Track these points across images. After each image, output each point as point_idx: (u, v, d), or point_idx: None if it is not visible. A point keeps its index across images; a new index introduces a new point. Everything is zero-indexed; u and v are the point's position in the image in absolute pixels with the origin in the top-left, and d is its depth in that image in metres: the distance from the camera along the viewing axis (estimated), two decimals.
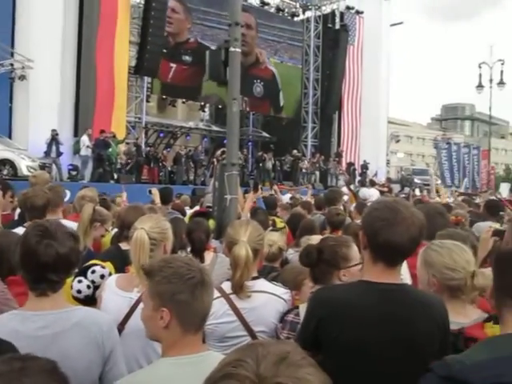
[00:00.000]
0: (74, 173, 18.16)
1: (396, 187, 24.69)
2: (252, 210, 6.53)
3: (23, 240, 2.07)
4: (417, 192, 17.67)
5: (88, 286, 2.97)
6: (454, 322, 2.28)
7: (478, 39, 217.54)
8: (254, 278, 2.77)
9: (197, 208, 8.08)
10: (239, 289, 2.68)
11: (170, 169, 22.67)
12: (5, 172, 15.14)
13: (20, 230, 3.11)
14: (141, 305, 2.07)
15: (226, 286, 2.75)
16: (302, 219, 5.87)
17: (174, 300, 1.74)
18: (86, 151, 18.25)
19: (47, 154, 17.16)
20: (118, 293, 2.68)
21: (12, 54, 17.40)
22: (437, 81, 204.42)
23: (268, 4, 28.01)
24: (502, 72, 29.86)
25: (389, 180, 25.79)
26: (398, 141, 42.39)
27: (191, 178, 23.05)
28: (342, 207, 7.08)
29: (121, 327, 2.52)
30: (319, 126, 29.27)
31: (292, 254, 4.72)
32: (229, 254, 2.78)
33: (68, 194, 8.47)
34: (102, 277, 2.99)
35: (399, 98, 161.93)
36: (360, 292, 2.06)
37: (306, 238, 4.50)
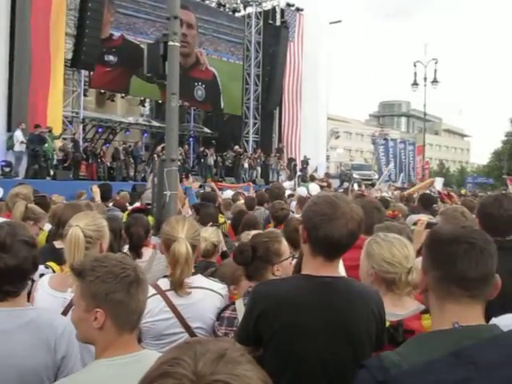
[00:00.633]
0: (7, 169, 17.43)
1: (335, 182, 25.17)
2: (200, 203, 6.51)
3: None
4: (355, 187, 18.05)
5: None
6: (391, 314, 2.34)
7: (414, 38, 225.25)
8: (192, 274, 2.75)
9: (136, 205, 7.94)
10: (179, 286, 2.65)
11: (109, 165, 22.15)
12: None
13: None
14: None
15: (163, 283, 2.72)
16: (244, 214, 5.88)
17: (108, 300, 1.69)
18: (20, 147, 17.54)
19: None
20: (51, 293, 2.60)
21: None
22: (375, 78, 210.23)
23: None
24: (435, 71, 30.97)
25: (327, 175, 26.23)
26: (337, 137, 43.30)
27: (131, 174, 22.63)
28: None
29: None
30: (260, 122, 29.43)
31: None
32: (165, 251, 2.74)
33: (1, 191, 8.12)
34: (42, 276, 2.88)
35: (339, 95, 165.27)
36: (299, 285, 2.09)
37: (245, 233, 4.51)
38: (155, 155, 19.11)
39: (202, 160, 25.04)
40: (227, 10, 28.91)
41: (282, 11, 29.51)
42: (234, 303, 2.77)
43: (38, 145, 17.39)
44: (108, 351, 1.71)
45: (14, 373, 1.93)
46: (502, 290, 1.59)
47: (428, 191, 15.24)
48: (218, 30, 27.71)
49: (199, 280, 2.79)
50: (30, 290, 2.67)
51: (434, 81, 31.02)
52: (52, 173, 18.29)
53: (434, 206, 7.01)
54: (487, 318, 1.65)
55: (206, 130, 29.55)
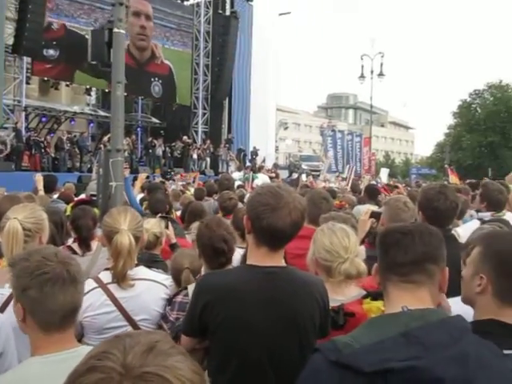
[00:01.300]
0: None
1: (284, 173, 25.39)
2: (151, 188, 6.42)
3: None
4: (303, 177, 18.26)
5: None
6: (333, 300, 2.39)
7: (362, 31, 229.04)
8: (135, 266, 2.71)
9: (82, 196, 7.75)
10: (122, 278, 2.61)
11: (53, 155, 21.49)
12: None
13: None
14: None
15: (105, 276, 2.67)
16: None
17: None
18: None
19: None
20: None
21: None
22: (323, 70, 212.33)
23: None
24: (381, 64, 31.62)
25: (276, 166, 26.41)
26: (286, 128, 43.61)
27: (77, 165, 22.06)
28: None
29: None
30: (210, 113, 29.23)
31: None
32: (107, 243, 2.69)
33: None
34: None
35: (288, 87, 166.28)
36: (244, 275, 2.10)
37: (197, 224, 4.48)
38: (102, 145, 18.68)
39: (150, 151, 24.70)
40: None
41: (232, 1, 29.38)
42: (186, 288, 2.77)
43: None
44: (41, 348, 1.68)
45: None
46: None
47: (374, 182, 15.60)
48: (166, 18, 27.25)
49: (142, 272, 2.75)
50: None
51: (381, 74, 31.68)
52: None
53: (379, 196, 7.16)
54: None
55: (155, 119, 29.14)
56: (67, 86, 25.14)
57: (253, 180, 9.86)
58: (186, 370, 0.83)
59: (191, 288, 2.62)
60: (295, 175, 22.80)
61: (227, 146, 28.41)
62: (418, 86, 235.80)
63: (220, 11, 28.83)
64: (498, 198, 4.58)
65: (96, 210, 5.38)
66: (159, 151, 24.68)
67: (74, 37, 21.75)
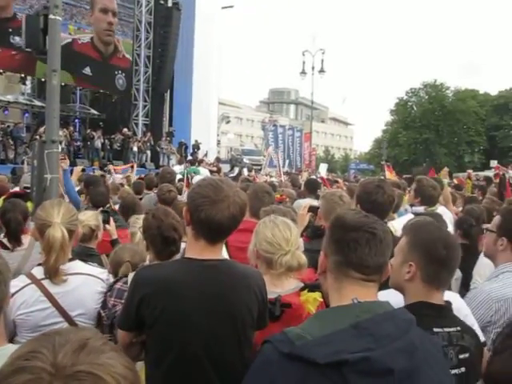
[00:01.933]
0: None
1: (226, 167, 25.35)
2: (90, 181, 6.25)
3: None
4: (245, 172, 18.29)
5: None
6: (271, 292, 2.42)
7: (304, 27, 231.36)
8: (69, 260, 2.64)
9: (16, 189, 7.45)
10: (54, 273, 2.53)
11: None
12: None
13: None
14: None
15: (38, 272, 2.58)
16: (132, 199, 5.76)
17: None
18: None
19: None
20: None
21: None
22: (266, 65, 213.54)
23: None
24: (322, 61, 32.05)
25: (218, 160, 26.34)
26: (228, 122, 43.53)
27: (11, 156, 21.17)
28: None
29: None
30: (151, 105, 28.76)
31: None
32: (40, 237, 2.60)
33: None
34: None
35: (230, 81, 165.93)
36: (182, 268, 2.09)
37: (134, 218, 4.41)
38: (37, 137, 18.02)
39: (89, 143, 24.05)
40: None
41: None
42: (126, 276, 2.74)
43: None
44: None
45: None
46: None
47: (314, 176, 15.85)
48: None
49: (77, 266, 2.68)
50: None
51: (321, 70, 32.11)
52: None
53: (319, 191, 7.29)
54: None
55: (93, 111, 28.32)
56: (0, 74, 24.06)
57: (192, 177, 9.77)
58: (119, 367, 0.82)
59: (131, 276, 2.59)
60: (237, 169, 22.82)
61: (168, 139, 28.06)
62: (357, 83, 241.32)
63: (162, 2, 28.33)
64: (431, 194, 4.77)
65: (30, 204, 5.21)
66: (98, 143, 24.07)
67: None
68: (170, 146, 27.52)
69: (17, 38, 20.75)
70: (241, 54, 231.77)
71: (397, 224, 3.99)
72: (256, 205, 3.79)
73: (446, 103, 54.68)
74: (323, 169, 18.53)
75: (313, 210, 3.79)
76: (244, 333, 2.08)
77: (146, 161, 25.62)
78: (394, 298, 2.00)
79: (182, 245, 2.83)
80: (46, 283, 2.54)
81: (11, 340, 2.34)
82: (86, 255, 3.39)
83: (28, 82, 26.33)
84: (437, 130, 53.93)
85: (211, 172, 17.16)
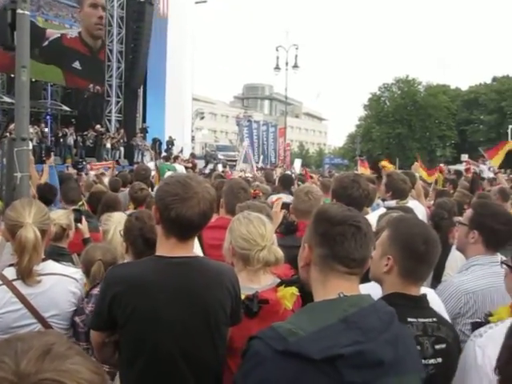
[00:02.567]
0: None
1: (201, 163, 25.27)
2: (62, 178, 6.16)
3: None
4: (220, 168, 18.27)
5: None
6: (248, 288, 2.44)
7: (278, 22, 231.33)
8: (42, 260, 2.60)
9: None
10: (28, 274, 2.49)
11: None
12: None
13: None
14: None
15: (9, 273, 2.54)
16: (102, 196, 5.67)
17: None
18: None
19: None
20: None
21: None
22: (240, 60, 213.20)
23: None
24: (296, 56, 32.15)
25: (193, 156, 26.22)
26: (202, 117, 43.32)
27: None
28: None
29: None
30: (124, 101, 28.41)
31: None
32: (11, 238, 2.55)
33: None
34: None
35: (205, 76, 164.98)
36: (153, 267, 2.07)
37: (106, 215, 4.35)
38: (7, 134, 17.66)
39: (61, 140, 23.67)
40: None
41: None
42: None
43: None
44: None
45: None
46: None
47: (288, 172, 15.91)
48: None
49: (50, 266, 2.64)
50: None
51: (295, 66, 32.21)
52: None
53: (292, 187, 7.32)
54: None
55: (65, 107, 27.86)
56: None
57: (163, 172, 9.70)
58: (85, 372, 0.80)
59: None
60: (211, 165, 22.76)
61: (142, 135, 27.79)
62: (331, 78, 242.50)
63: None
64: (402, 187, 4.83)
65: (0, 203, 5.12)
66: (70, 140, 23.71)
67: None
68: (144, 142, 27.27)
69: None
70: (215, 49, 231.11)
71: (371, 218, 4.05)
72: (231, 201, 3.79)
73: (418, 98, 55.46)
74: (297, 164, 18.63)
75: (286, 206, 3.82)
76: (218, 329, 2.08)
77: (120, 157, 25.34)
78: (374, 290, 2.03)
79: None
80: (18, 284, 2.50)
81: None
82: (57, 255, 3.35)
83: None
84: (409, 124, 54.66)
85: (186, 168, 17.09)
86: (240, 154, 14.81)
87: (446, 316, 2.48)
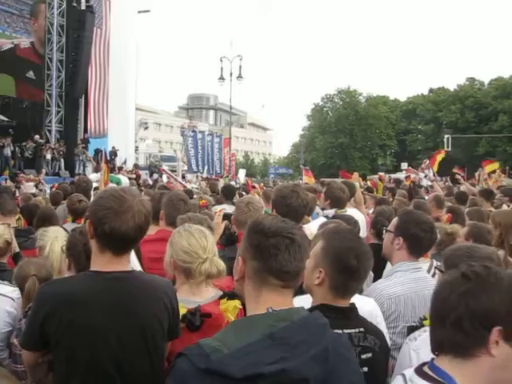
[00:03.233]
0: None
1: (144, 174, 24.92)
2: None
3: None
4: (164, 178, 18.09)
5: None
6: (190, 302, 2.42)
7: (222, 33, 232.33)
8: None
9: None
10: None
11: None
12: None
13: None
14: None
15: None
16: (37, 209, 5.50)
17: None
18: None
19: None
20: None
21: None
22: (184, 70, 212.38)
23: None
24: (240, 67, 32.34)
25: (136, 166, 25.85)
26: (146, 128, 42.82)
27: None
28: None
29: None
30: (64, 111, 27.65)
31: None
32: None
33: None
34: None
35: (149, 86, 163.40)
36: (88, 282, 2.03)
37: (42, 230, 4.22)
38: None
39: None
40: None
41: None
42: None
43: None
44: None
45: None
46: None
47: (233, 182, 15.94)
48: (14, 5, 25.49)
49: None
50: None
51: (239, 76, 32.39)
52: None
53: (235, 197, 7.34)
54: None
55: (2, 117, 26.88)
56: None
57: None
58: None
59: None
60: (156, 176, 22.49)
61: (83, 145, 27.14)
62: (275, 89, 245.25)
63: (74, 4, 27.36)
64: (339, 196, 4.94)
65: None
66: (8, 151, 22.84)
67: None
68: (85, 153, 26.64)
69: None
70: (159, 59, 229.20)
71: (312, 226, 4.13)
72: (172, 213, 3.75)
73: (360, 109, 56.91)
74: (242, 174, 18.70)
75: (227, 217, 3.84)
76: (155, 345, 2.05)
77: (60, 169, 24.65)
78: (308, 302, 2.06)
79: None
80: None
81: None
82: None
83: None
84: (351, 134, 55.96)
85: (130, 179, 16.83)
86: (184, 165, 14.63)
87: (383, 325, 2.55)
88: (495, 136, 49.44)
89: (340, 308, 2.08)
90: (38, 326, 1.96)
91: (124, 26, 29.28)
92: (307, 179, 14.75)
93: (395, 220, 3.19)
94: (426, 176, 12.30)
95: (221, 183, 12.16)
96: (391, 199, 8.51)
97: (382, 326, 2.53)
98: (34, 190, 10.81)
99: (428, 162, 14.03)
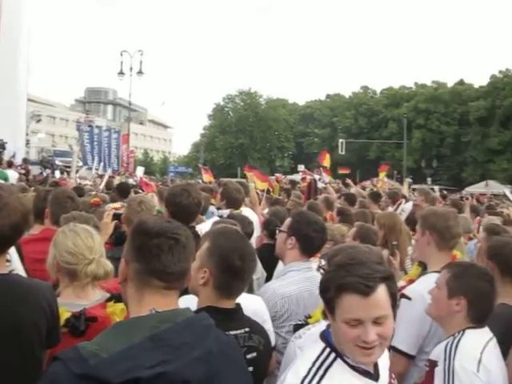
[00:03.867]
0: None
1: (35, 169, 23.66)
2: None
3: None
4: (57, 174, 17.28)
5: None
6: (74, 305, 2.33)
7: (123, 26, 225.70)
8: None
9: None
10: None
11: None
12: None
13: None
14: None
15: None
16: None
17: None
18: None
19: None
20: None
21: None
22: (82, 62, 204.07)
23: None
24: (141, 62, 31.73)
25: (26, 161, 24.44)
26: (39, 120, 40.69)
27: None
28: None
29: None
30: None
31: None
32: None
33: None
34: None
35: (43, 76, 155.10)
36: None
37: None
38: None
39: None
40: None
41: None
42: None
43: None
44: None
45: None
46: None
47: (131, 180, 15.56)
48: None
49: None
50: None
51: (140, 72, 31.78)
52: None
53: (129, 195, 7.16)
54: None
55: None
56: None
57: None
58: None
59: None
60: (48, 171, 21.42)
61: None
62: (176, 87, 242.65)
63: None
64: (235, 197, 5.01)
65: None
66: None
67: None
68: None
69: None
70: (55, 48, 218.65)
71: (203, 227, 4.13)
72: (57, 211, 3.59)
73: (260, 110, 57.96)
74: (140, 171, 18.35)
75: (117, 216, 3.73)
76: (31, 353, 1.95)
77: None
78: (195, 303, 2.05)
79: None
80: None
81: None
82: None
83: None
84: (251, 135, 56.86)
85: (20, 174, 15.88)
86: (79, 161, 13.99)
87: (269, 324, 2.61)
88: (385, 142, 52.44)
89: (225, 309, 2.09)
90: None
91: (14, 10, 27.58)
92: (207, 177, 14.77)
93: (288, 220, 3.28)
94: (320, 179, 12.82)
95: (116, 181, 11.85)
96: (286, 200, 8.70)
97: (269, 324, 2.59)
98: None
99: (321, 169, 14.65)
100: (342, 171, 17.18)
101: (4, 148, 25.80)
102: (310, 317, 2.47)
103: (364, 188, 12.81)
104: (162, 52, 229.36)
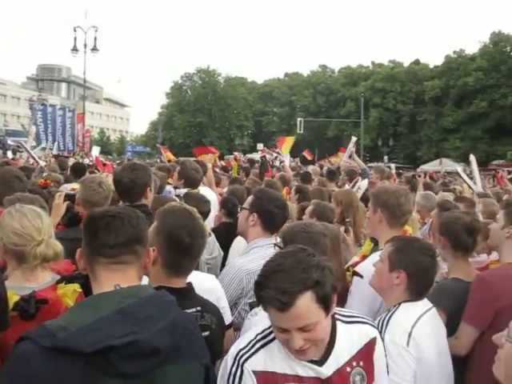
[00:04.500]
0: None
1: None
2: None
3: None
4: (9, 154, 16.77)
5: None
6: (24, 288, 2.28)
7: (75, 1, 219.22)
8: None
9: None
10: None
11: None
12: None
13: None
14: None
15: None
16: None
17: None
18: None
19: None
20: None
21: None
22: (34, 39, 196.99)
23: None
24: (95, 38, 30.93)
25: None
26: None
27: None
28: None
29: None
30: None
31: None
32: None
33: None
34: None
35: None
36: None
37: None
38: None
39: None
40: None
41: None
42: None
43: None
44: None
45: None
46: None
47: (87, 160, 15.24)
48: None
49: None
50: None
51: (94, 48, 31.01)
52: None
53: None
54: None
55: None
56: None
57: None
58: None
59: None
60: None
61: None
62: (133, 64, 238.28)
63: None
64: (194, 176, 4.98)
65: None
66: None
67: None
68: None
69: None
70: (5, 24, 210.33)
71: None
72: (4, 192, 3.47)
73: (218, 89, 57.46)
74: (95, 151, 18.03)
75: (70, 197, 3.62)
76: None
77: None
78: (145, 283, 2.02)
79: None
80: None
81: None
82: None
83: None
84: (210, 114, 56.42)
85: None
86: (28, 140, 13.58)
87: (224, 301, 2.61)
88: (343, 121, 52.93)
89: (177, 289, 2.09)
90: None
91: None
92: (168, 155, 14.67)
93: (250, 198, 3.28)
94: (276, 157, 12.89)
95: (71, 161, 11.58)
96: (244, 179, 8.71)
97: (223, 302, 2.59)
98: None
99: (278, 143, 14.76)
100: (304, 154, 17.36)
101: None
102: None
103: (322, 166, 12.93)
104: (118, 28, 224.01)
